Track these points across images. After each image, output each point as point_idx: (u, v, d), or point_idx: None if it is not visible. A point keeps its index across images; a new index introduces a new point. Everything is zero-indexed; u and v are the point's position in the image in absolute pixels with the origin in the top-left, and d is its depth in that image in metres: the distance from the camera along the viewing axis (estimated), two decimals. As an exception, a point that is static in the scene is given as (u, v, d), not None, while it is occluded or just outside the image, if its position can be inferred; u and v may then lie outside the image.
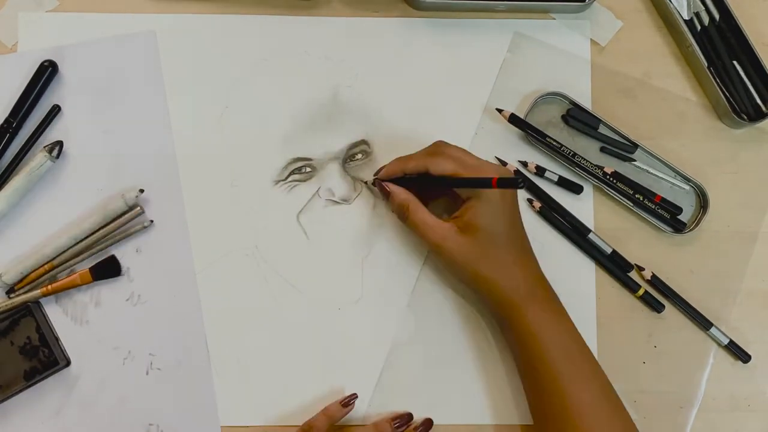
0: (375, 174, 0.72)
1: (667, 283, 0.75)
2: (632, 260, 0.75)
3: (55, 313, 0.73)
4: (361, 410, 0.73)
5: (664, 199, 0.75)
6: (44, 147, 0.72)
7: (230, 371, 0.73)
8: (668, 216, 0.75)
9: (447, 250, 0.66)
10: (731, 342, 0.74)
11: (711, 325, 0.74)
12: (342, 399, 0.71)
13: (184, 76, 0.76)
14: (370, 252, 0.74)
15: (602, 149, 0.76)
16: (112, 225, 0.73)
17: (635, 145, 0.75)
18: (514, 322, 0.66)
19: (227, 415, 0.72)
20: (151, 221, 0.73)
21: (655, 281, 0.74)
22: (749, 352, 0.74)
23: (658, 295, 0.75)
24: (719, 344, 0.74)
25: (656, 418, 0.73)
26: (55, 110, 0.74)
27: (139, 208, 0.73)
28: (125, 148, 0.75)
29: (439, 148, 0.69)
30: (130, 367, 0.73)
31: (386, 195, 0.70)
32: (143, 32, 0.76)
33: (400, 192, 0.69)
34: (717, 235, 0.75)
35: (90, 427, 0.72)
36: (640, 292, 0.74)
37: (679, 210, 0.75)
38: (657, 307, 0.74)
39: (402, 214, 0.69)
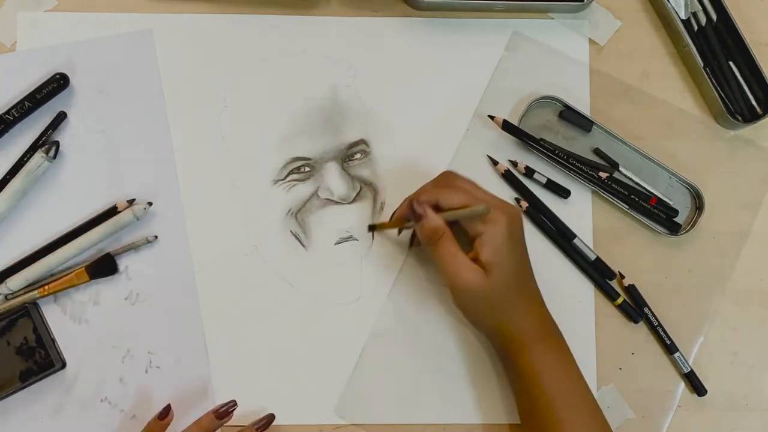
0: (391, 218, 0.71)
1: (665, 280, 0.75)
2: (629, 261, 0.75)
3: (54, 312, 0.73)
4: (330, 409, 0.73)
5: (659, 201, 0.75)
6: (41, 148, 0.72)
7: (229, 370, 0.73)
8: (664, 217, 0.75)
9: (473, 291, 0.64)
10: (691, 372, 0.74)
11: (676, 349, 0.74)
12: (217, 408, 0.69)
13: (183, 76, 0.76)
14: (368, 251, 0.75)
15: (596, 151, 0.76)
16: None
17: (628, 146, 0.75)
18: (519, 362, 0.66)
19: (227, 413, 0.73)
20: (156, 237, 0.74)
21: (632, 291, 0.74)
22: (747, 350, 0.75)
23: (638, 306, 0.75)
24: (680, 372, 0.74)
25: (653, 418, 0.74)
26: (61, 117, 0.74)
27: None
28: (123, 147, 0.75)
29: (448, 179, 0.68)
30: (129, 365, 0.73)
31: (417, 218, 0.66)
32: (140, 31, 0.76)
33: (435, 217, 0.65)
34: (713, 234, 0.76)
35: (89, 426, 0.72)
36: (618, 301, 0.74)
37: (675, 212, 0.75)
38: (634, 318, 0.74)
39: (432, 242, 0.65)
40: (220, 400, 0.72)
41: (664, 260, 0.75)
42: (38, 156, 0.71)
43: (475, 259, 0.65)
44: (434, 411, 0.73)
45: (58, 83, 0.73)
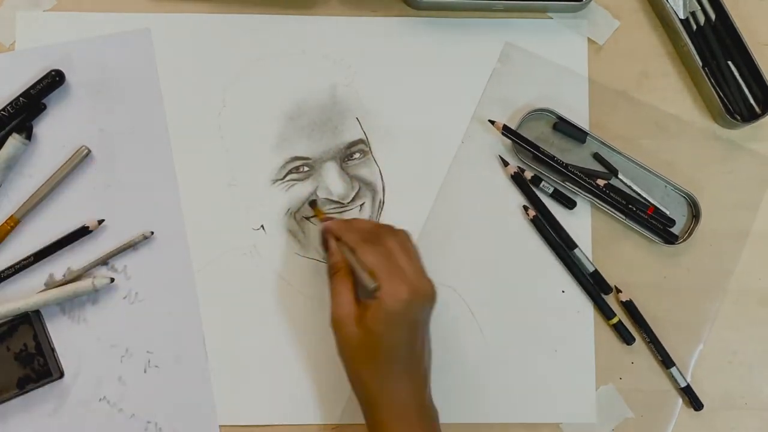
0: (323, 220, 0.70)
1: (664, 286, 0.75)
2: (628, 267, 0.75)
3: (52, 311, 0.73)
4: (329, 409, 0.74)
5: (657, 211, 0.75)
6: (14, 134, 0.72)
7: (228, 370, 0.73)
8: (661, 228, 0.75)
9: (338, 332, 0.65)
10: (688, 386, 0.74)
11: (672, 364, 0.74)
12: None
13: (182, 76, 0.76)
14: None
15: (595, 156, 0.76)
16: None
17: (623, 156, 0.75)
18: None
19: (225, 414, 0.73)
20: (152, 233, 0.74)
21: (630, 307, 0.74)
22: (746, 351, 0.75)
23: (631, 327, 0.75)
24: (676, 386, 0.74)
25: (652, 417, 0.74)
26: (42, 107, 0.74)
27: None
28: (121, 147, 0.75)
29: (379, 235, 0.66)
30: (128, 364, 0.73)
31: (324, 247, 0.69)
32: (138, 30, 0.76)
33: (336, 253, 0.67)
34: (712, 236, 0.76)
35: (88, 425, 0.72)
36: (614, 321, 0.74)
37: (672, 222, 0.75)
38: (627, 339, 0.74)
39: (329, 274, 0.67)
40: (218, 400, 0.72)
41: (663, 265, 0.75)
42: (14, 141, 0.72)
43: (365, 307, 0.64)
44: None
45: (53, 80, 0.73)
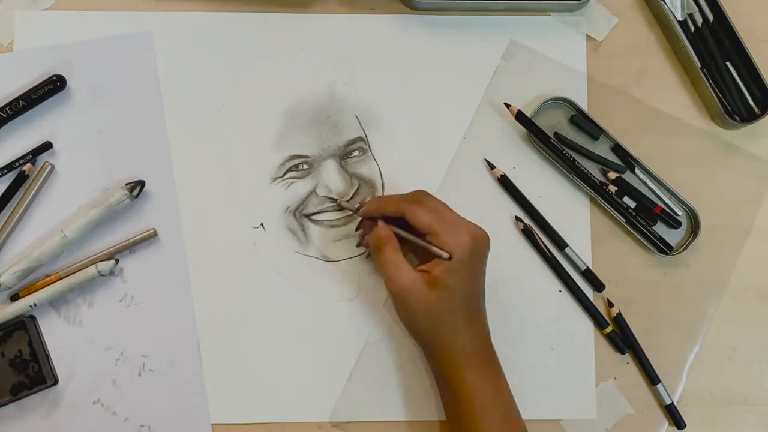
0: (356, 209, 0.71)
1: (663, 277, 0.75)
2: (626, 260, 0.75)
3: (48, 314, 0.72)
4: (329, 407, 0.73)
5: (664, 210, 0.75)
6: (126, 185, 0.72)
7: (226, 367, 0.73)
8: (656, 238, 0.74)
9: (409, 299, 0.66)
10: (672, 404, 0.73)
11: (658, 381, 0.73)
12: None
13: (181, 74, 0.75)
14: (367, 249, 0.74)
15: (614, 149, 0.76)
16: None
17: (632, 163, 0.75)
18: (452, 383, 0.66)
19: (221, 412, 0.72)
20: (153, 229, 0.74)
21: (619, 320, 0.74)
22: (746, 347, 0.75)
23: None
24: (661, 404, 0.74)
25: (652, 415, 0.74)
26: (47, 146, 0.73)
27: (153, 230, 0.73)
28: (120, 148, 0.74)
29: (418, 197, 0.68)
30: (122, 368, 0.72)
31: (369, 227, 0.70)
32: (140, 33, 0.76)
33: (383, 227, 0.68)
34: (711, 233, 0.75)
35: (81, 428, 0.71)
36: (607, 330, 0.74)
37: (679, 223, 0.75)
38: (621, 349, 0.74)
39: (377, 249, 0.68)
40: (218, 399, 0.72)
41: (663, 262, 0.75)
42: (121, 193, 0.71)
43: (427, 272, 0.65)
44: (428, 409, 0.73)
45: (54, 85, 0.73)
